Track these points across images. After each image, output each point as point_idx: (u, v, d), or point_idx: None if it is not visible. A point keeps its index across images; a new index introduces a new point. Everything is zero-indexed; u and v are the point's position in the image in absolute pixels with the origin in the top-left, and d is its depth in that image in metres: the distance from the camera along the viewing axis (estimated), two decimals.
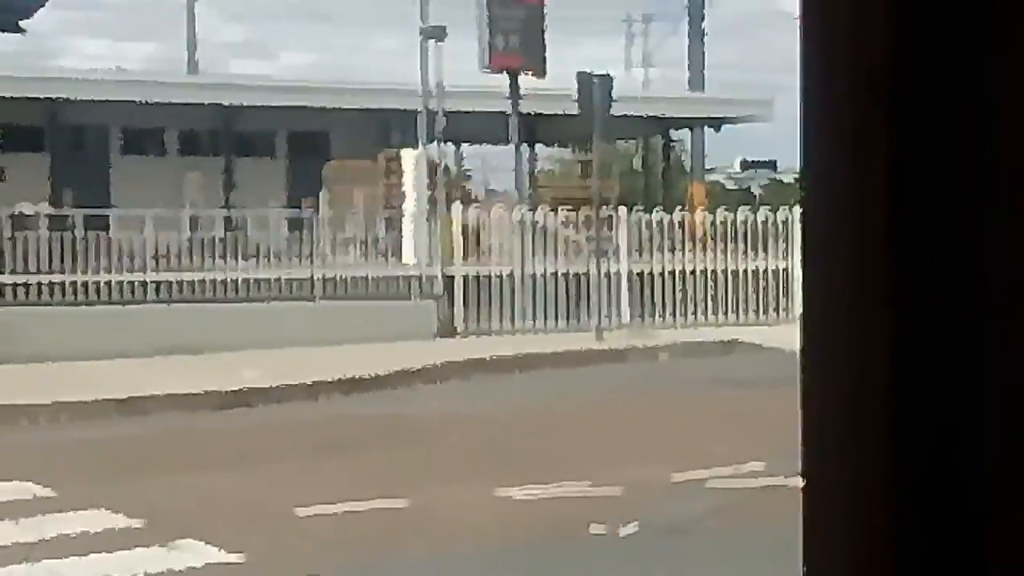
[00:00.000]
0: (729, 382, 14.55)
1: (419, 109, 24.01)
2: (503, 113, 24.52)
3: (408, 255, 21.04)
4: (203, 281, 19.08)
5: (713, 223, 21.56)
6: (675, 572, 7.22)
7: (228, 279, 19.15)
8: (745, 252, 21.14)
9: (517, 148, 25.57)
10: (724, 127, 31.81)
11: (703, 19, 34.17)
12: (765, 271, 21.03)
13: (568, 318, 19.81)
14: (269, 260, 20.41)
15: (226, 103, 26.24)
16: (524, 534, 7.78)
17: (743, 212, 21.65)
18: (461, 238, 19.89)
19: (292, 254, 20.49)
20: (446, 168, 24.95)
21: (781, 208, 21.24)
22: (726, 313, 20.84)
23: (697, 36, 33.88)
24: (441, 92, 23.46)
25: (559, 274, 20.01)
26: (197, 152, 28.23)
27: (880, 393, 0.80)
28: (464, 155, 34.06)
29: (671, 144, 33.46)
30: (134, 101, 25.03)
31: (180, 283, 18.87)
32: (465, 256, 19.84)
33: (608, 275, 19.86)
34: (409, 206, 21.80)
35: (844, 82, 0.81)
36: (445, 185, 22.44)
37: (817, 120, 0.83)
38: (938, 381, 0.79)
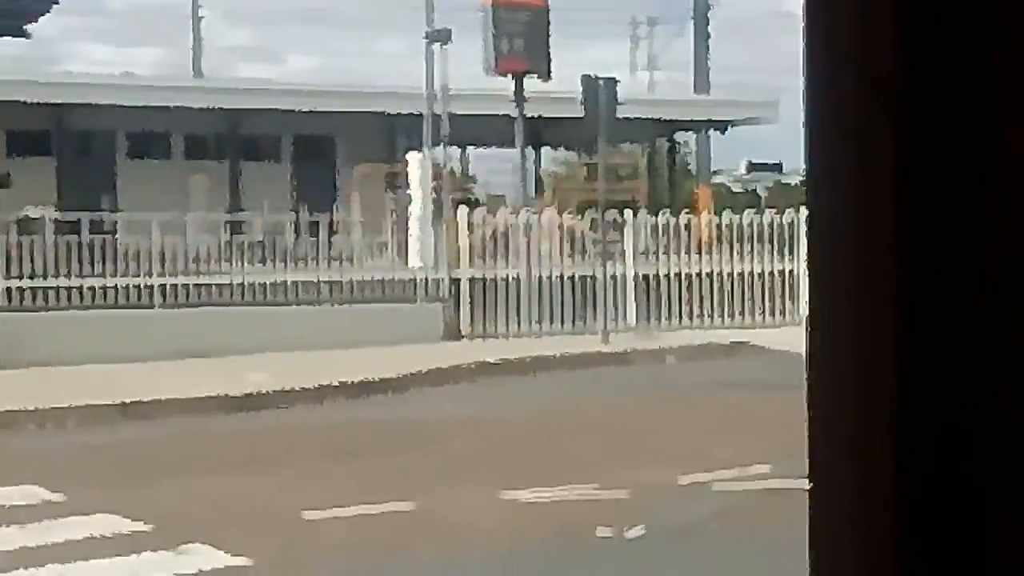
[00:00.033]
0: (736, 385, 14.54)
1: (424, 112, 24.04)
2: (508, 116, 24.54)
3: (414, 258, 21.06)
4: (210, 285, 19.10)
5: (719, 225, 21.56)
6: (682, 575, 7.21)
7: (235, 283, 19.16)
8: (751, 254, 21.13)
9: (522, 151, 25.59)
10: (729, 129, 31.81)
11: (708, 21, 34.18)
12: (771, 273, 21.02)
13: (574, 321, 19.80)
14: (276, 264, 20.43)
15: (231, 107, 26.29)
16: (531, 537, 7.78)
17: (749, 214, 21.64)
18: (467, 241, 19.90)
19: (299, 257, 20.51)
20: (452, 171, 24.98)
21: (787, 210, 21.22)
22: (732, 315, 20.83)
23: (702, 38, 33.89)
24: (446, 95, 23.48)
25: (565, 277, 20.01)
26: (203, 156, 28.27)
27: (886, 394, 0.80)
28: (470, 158, 34.06)
29: (676, 147, 33.47)
30: (140, 105, 25.09)
31: (187, 287, 18.89)
32: (471, 259, 19.84)
33: (614, 278, 19.86)
34: (415, 209, 21.81)
35: (849, 84, 0.81)
36: (451, 188, 22.46)
37: (822, 122, 0.83)
38: (944, 382, 0.79)
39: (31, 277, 18.29)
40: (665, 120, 29.83)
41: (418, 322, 18.75)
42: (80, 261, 18.76)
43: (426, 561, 7.51)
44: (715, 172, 35.40)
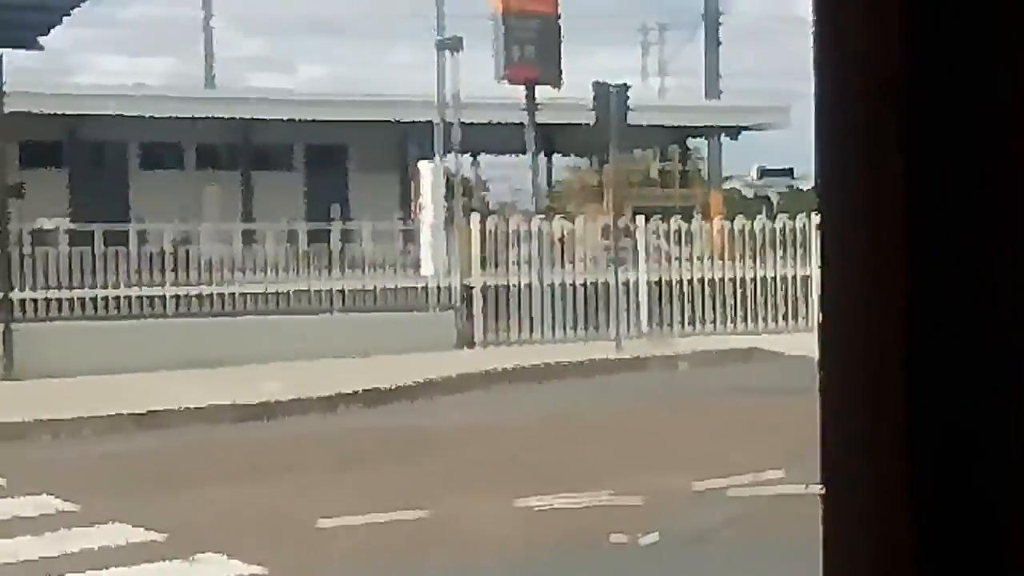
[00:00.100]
0: (749, 390, 14.52)
1: (436, 121, 24.07)
2: (519, 124, 24.56)
3: (426, 266, 21.08)
4: (222, 294, 19.14)
5: (731, 231, 21.55)
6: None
7: (248, 292, 19.20)
8: (763, 260, 21.11)
9: (534, 158, 25.61)
10: (741, 135, 31.80)
11: (719, 27, 34.17)
12: (784, 278, 21.00)
13: (587, 327, 19.80)
14: (289, 273, 20.46)
15: (243, 117, 26.35)
16: (544, 544, 7.77)
17: (761, 220, 21.61)
18: (479, 248, 19.91)
19: (312, 266, 20.54)
20: (463, 179, 25.01)
21: (799, 215, 21.20)
22: (745, 321, 20.80)
23: (713, 44, 33.88)
24: (458, 103, 23.51)
25: (577, 283, 20.01)
26: (215, 166, 28.34)
27: (897, 394, 0.80)
28: (481, 166, 34.09)
29: (688, 153, 33.45)
30: (152, 116, 25.16)
31: (200, 296, 18.94)
32: (483, 266, 19.85)
33: (627, 284, 19.85)
34: (427, 217, 21.84)
35: (857, 84, 0.81)
36: (462, 196, 22.48)
37: (831, 123, 0.83)
38: (955, 382, 0.79)
39: (45, 288, 18.35)
40: (676, 126, 29.82)
41: (431, 330, 18.76)
42: (93, 272, 18.81)
43: (441, 569, 7.50)
44: (727, 178, 35.39)
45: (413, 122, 25.91)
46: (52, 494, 9.31)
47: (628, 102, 19.17)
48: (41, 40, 16.71)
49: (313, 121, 26.29)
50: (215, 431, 12.52)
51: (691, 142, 33.33)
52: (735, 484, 9.11)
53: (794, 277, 20.92)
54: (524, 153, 25.49)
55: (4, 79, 16.38)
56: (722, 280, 20.83)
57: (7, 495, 9.49)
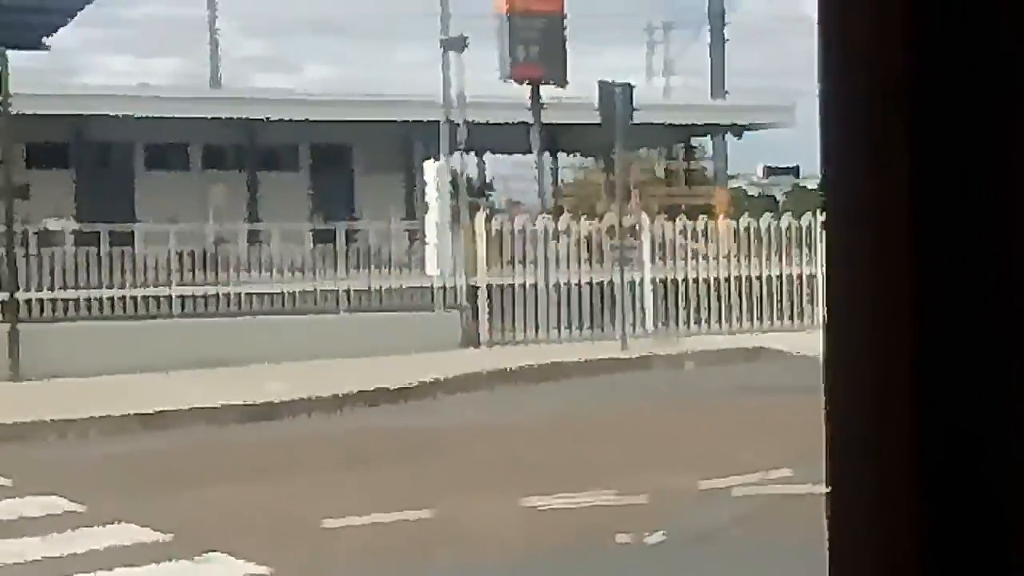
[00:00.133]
0: (755, 389, 14.51)
1: (441, 120, 24.08)
2: (525, 123, 24.56)
3: (432, 266, 21.09)
4: (228, 294, 19.16)
5: (736, 230, 21.53)
6: None
7: (253, 292, 19.22)
8: (769, 258, 21.10)
9: (539, 157, 25.60)
10: (746, 134, 31.78)
11: (724, 26, 34.16)
12: (790, 277, 20.98)
13: (592, 327, 19.79)
14: (294, 273, 20.48)
15: (249, 117, 26.37)
16: (551, 544, 7.77)
17: (766, 219, 21.60)
18: (484, 248, 19.91)
19: (317, 266, 20.56)
20: (469, 178, 25.01)
21: (804, 214, 21.18)
22: (751, 320, 20.79)
23: (718, 43, 33.86)
24: (463, 103, 23.51)
25: (583, 283, 20.01)
26: (221, 166, 28.36)
27: (902, 395, 0.80)
28: (487, 165, 34.10)
29: (693, 151, 33.44)
30: (158, 116, 25.18)
31: (205, 297, 18.95)
32: (488, 266, 19.85)
33: (632, 283, 19.84)
34: (432, 217, 21.85)
35: (863, 85, 0.81)
36: (468, 195, 22.49)
37: (836, 123, 0.83)
38: (960, 383, 0.79)
39: (51, 288, 18.37)
40: (682, 125, 29.81)
41: (436, 330, 18.76)
42: (99, 272, 18.83)
43: (447, 568, 7.51)
44: (732, 177, 35.36)
45: (418, 122, 25.91)
46: (58, 494, 9.33)
47: (633, 101, 19.16)
48: (47, 41, 16.74)
49: (318, 121, 26.31)
50: (221, 431, 12.53)
51: (696, 141, 33.32)
52: (741, 483, 9.10)
53: (800, 276, 20.91)
54: (529, 152, 25.48)
55: (10, 80, 16.41)
56: (728, 279, 20.82)
57: (14, 495, 9.50)
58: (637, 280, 20.09)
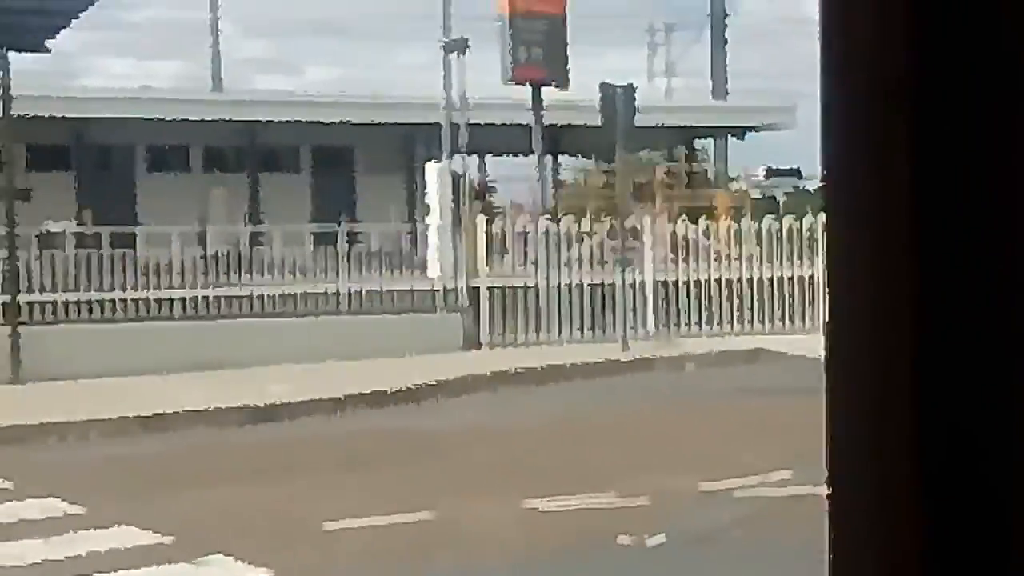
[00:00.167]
0: (755, 391, 14.51)
1: (442, 122, 24.10)
2: (526, 125, 24.58)
3: (433, 268, 21.09)
4: (229, 297, 19.16)
5: (737, 231, 21.54)
6: None
7: (254, 294, 19.22)
8: (770, 260, 21.10)
9: (540, 159, 25.62)
10: (748, 135, 31.80)
11: (725, 27, 34.18)
12: (791, 279, 20.98)
13: (593, 328, 19.80)
14: (295, 275, 20.49)
15: (250, 119, 26.40)
16: (552, 545, 7.77)
17: (767, 220, 21.61)
18: (485, 250, 19.91)
19: (318, 268, 20.56)
20: (470, 180, 25.01)
21: (806, 216, 21.18)
22: (752, 322, 20.79)
23: (719, 44, 33.89)
24: (464, 105, 23.53)
25: (584, 285, 20.01)
26: (222, 168, 28.39)
27: (903, 395, 0.79)
28: (488, 167, 34.10)
29: (695, 153, 33.46)
30: (159, 119, 25.21)
31: (206, 299, 18.96)
32: (490, 268, 19.86)
33: (633, 285, 19.85)
34: (433, 218, 21.85)
35: (864, 86, 0.81)
36: (469, 197, 22.49)
37: (837, 124, 0.83)
38: (961, 383, 0.79)
39: (52, 291, 18.38)
40: (683, 127, 29.84)
41: (437, 332, 18.77)
42: (100, 274, 18.84)
43: (448, 570, 7.50)
44: (733, 178, 35.37)
45: (420, 124, 25.94)
46: (59, 497, 9.33)
47: (635, 103, 19.17)
48: (48, 43, 16.74)
49: (320, 123, 26.33)
50: (222, 433, 12.53)
51: (698, 143, 33.33)
52: (743, 485, 9.10)
53: (801, 278, 20.91)
54: (531, 154, 25.50)
55: (12, 82, 16.41)
56: (729, 281, 20.82)
57: (14, 498, 9.50)
58: (638, 282, 20.09)
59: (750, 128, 31.37)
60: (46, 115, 23.20)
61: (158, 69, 75.76)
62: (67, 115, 24.62)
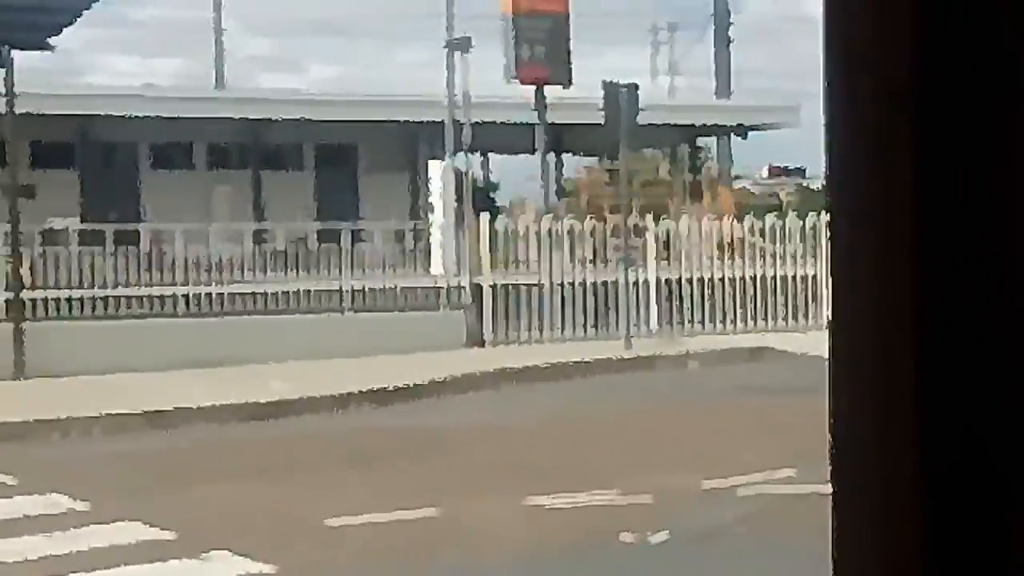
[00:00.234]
0: (758, 389, 14.51)
1: (446, 121, 24.09)
2: (529, 124, 24.57)
3: (436, 265, 21.09)
4: (232, 294, 19.17)
5: (741, 230, 21.53)
6: None
7: (258, 292, 19.23)
8: (773, 259, 21.09)
9: (543, 158, 25.60)
10: (751, 134, 31.77)
11: (729, 26, 34.15)
12: (794, 277, 20.98)
13: (596, 327, 19.79)
14: (299, 272, 20.49)
15: (254, 117, 26.38)
16: (555, 543, 7.78)
17: (771, 219, 21.60)
18: (489, 248, 19.91)
19: (322, 266, 20.56)
20: (473, 178, 25.01)
21: (809, 214, 21.17)
22: (755, 320, 20.78)
23: (723, 43, 33.87)
24: (467, 103, 23.52)
25: (587, 283, 20.01)
26: (226, 166, 28.37)
27: (907, 397, 0.80)
28: (491, 165, 34.09)
29: (698, 152, 33.43)
30: (163, 116, 25.20)
31: (210, 296, 18.97)
32: (493, 266, 19.86)
33: (636, 283, 19.84)
34: (437, 217, 21.85)
35: (867, 86, 0.81)
36: (472, 195, 22.49)
37: (841, 124, 0.83)
38: (965, 382, 0.79)
39: (56, 288, 18.39)
40: (686, 125, 29.80)
41: (441, 329, 18.77)
42: (104, 271, 18.85)
43: (450, 567, 7.51)
44: (736, 177, 35.35)
45: (423, 122, 25.92)
46: (62, 493, 9.34)
47: (638, 101, 19.16)
48: (52, 41, 16.75)
49: (323, 121, 26.31)
50: (225, 430, 12.54)
51: (701, 141, 33.30)
52: (746, 483, 9.10)
53: (804, 276, 20.90)
54: (534, 153, 25.49)
55: (15, 79, 16.42)
56: (732, 279, 20.81)
57: (17, 494, 9.51)
58: (641, 280, 20.09)
59: (754, 127, 31.33)
60: (50, 112, 23.18)
61: (162, 67, 75.75)
62: (71, 112, 24.61)
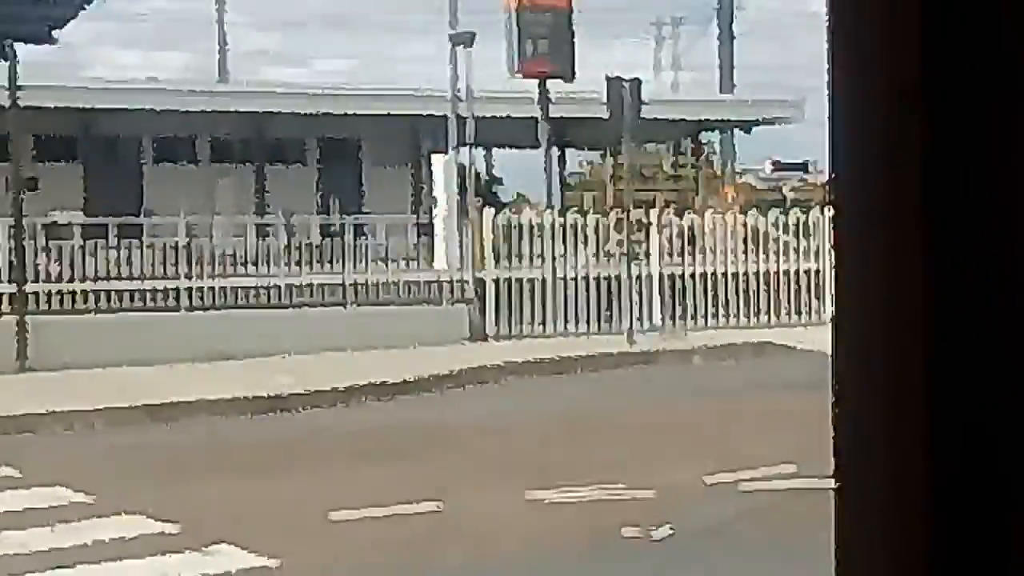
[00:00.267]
0: (762, 384, 14.50)
1: (449, 115, 24.08)
2: (533, 118, 24.54)
3: (439, 259, 21.09)
4: (237, 287, 19.18)
5: (744, 225, 21.51)
6: (709, 575, 7.20)
7: (261, 285, 19.24)
8: (776, 254, 21.07)
9: (547, 152, 25.58)
10: (755, 129, 31.73)
11: (733, 21, 34.12)
12: (798, 272, 20.96)
13: (600, 321, 19.79)
14: (302, 266, 20.49)
15: (257, 110, 26.37)
16: (558, 538, 7.78)
17: (774, 214, 21.58)
18: (492, 242, 19.90)
19: (325, 259, 20.56)
20: (477, 173, 25.00)
21: (812, 210, 21.15)
22: (758, 315, 20.77)
23: (727, 38, 33.84)
24: (471, 97, 23.51)
25: (590, 277, 20.00)
26: (229, 159, 28.37)
27: (914, 395, 0.80)
28: (494, 160, 34.07)
29: (702, 146, 33.40)
30: (166, 110, 25.18)
31: (213, 289, 18.97)
32: (496, 260, 19.85)
33: (639, 278, 19.83)
34: (440, 211, 21.84)
35: (875, 86, 0.82)
36: (476, 189, 22.48)
37: (848, 127, 0.83)
38: (973, 380, 0.79)
39: (59, 281, 18.40)
40: (690, 120, 29.77)
41: (444, 323, 18.77)
42: (107, 265, 18.86)
43: (453, 562, 7.52)
44: (740, 172, 35.31)
45: (426, 116, 25.90)
46: (66, 485, 9.35)
47: (641, 96, 19.14)
48: (56, 34, 16.76)
49: (327, 115, 26.28)
50: (228, 424, 12.55)
51: (705, 136, 33.26)
52: (749, 478, 9.10)
53: (807, 271, 20.89)
54: (537, 147, 25.47)
55: (19, 73, 16.42)
56: (735, 274, 20.80)
57: (21, 486, 9.53)
58: (644, 275, 20.08)
59: (757, 122, 31.29)
60: (53, 106, 23.16)
61: (165, 60, 75.72)
62: (74, 106, 24.60)
